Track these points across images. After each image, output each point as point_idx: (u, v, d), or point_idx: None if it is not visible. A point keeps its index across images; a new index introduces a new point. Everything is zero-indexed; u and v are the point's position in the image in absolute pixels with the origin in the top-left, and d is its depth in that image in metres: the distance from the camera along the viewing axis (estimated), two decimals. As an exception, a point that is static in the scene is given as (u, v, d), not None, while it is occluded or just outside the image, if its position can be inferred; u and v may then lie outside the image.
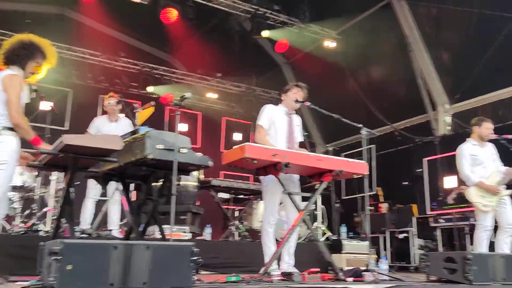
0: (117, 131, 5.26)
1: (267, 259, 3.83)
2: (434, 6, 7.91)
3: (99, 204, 5.71)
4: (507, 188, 4.93)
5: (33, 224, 5.24)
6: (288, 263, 3.88)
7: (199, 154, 3.46)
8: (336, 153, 7.89)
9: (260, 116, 4.14)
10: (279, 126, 4.11)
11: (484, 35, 7.54)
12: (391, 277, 3.96)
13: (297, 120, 4.30)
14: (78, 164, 3.09)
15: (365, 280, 3.54)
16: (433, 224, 7.30)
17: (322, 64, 9.79)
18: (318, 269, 3.51)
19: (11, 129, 2.98)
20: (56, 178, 5.61)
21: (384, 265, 4.55)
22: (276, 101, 4.37)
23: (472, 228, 5.31)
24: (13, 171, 3.03)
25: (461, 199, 6.52)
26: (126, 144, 3.38)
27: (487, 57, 7.47)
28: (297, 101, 4.21)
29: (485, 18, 7.34)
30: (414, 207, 7.96)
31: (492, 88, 7.84)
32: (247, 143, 3.48)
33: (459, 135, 7.66)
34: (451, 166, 6.05)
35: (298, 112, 4.36)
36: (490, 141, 5.18)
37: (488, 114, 7.73)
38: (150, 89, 10.09)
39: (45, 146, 3.06)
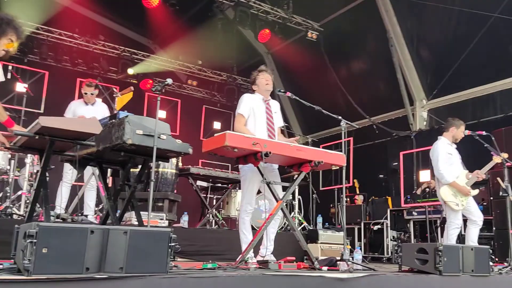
0: (94, 114, 5.19)
1: (244, 247, 3.86)
2: (416, 2, 8.01)
3: (75, 189, 5.64)
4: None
5: (7, 207, 5.13)
6: (267, 248, 3.93)
7: (179, 141, 3.44)
8: (315, 144, 7.94)
9: (239, 104, 4.13)
10: (258, 114, 4.11)
11: (464, 33, 7.69)
12: (365, 267, 4.04)
13: (275, 106, 4.32)
14: (54, 147, 3.02)
15: (340, 269, 3.60)
16: (406, 217, 7.48)
17: (304, 55, 9.83)
18: (293, 258, 3.55)
19: None
20: (31, 161, 5.50)
21: (358, 255, 4.65)
22: (251, 91, 4.36)
23: (444, 221, 5.48)
24: None
25: (430, 193, 6.72)
26: (105, 129, 3.32)
27: (466, 54, 7.63)
28: (279, 91, 4.21)
29: (465, 15, 7.48)
30: (389, 200, 8.14)
31: (469, 85, 8.02)
32: (228, 131, 3.47)
33: (435, 131, 7.84)
34: (426, 161, 6.21)
35: (279, 102, 4.36)
36: (461, 141, 5.36)
37: (464, 111, 7.94)
38: (130, 71, 9.87)
39: (18, 128, 2.97)
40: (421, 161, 8.07)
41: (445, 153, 5.13)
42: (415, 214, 7.33)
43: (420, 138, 8.61)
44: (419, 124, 8.87)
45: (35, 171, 5.46)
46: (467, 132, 5.24)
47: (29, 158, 5.50)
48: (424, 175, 7.74)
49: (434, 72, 8.56)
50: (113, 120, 3.37)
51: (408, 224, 7.47)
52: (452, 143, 5.26)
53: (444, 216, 5.50)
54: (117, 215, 3.82)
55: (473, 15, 7.29)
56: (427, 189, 6.89)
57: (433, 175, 5.47)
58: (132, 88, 5.63)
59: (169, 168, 6.19)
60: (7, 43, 3.02)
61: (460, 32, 7.74)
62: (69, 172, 5.42)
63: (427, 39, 8.45)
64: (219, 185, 7.18)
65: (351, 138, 9.13)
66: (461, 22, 7.67)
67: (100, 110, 5.60)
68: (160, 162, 5.82)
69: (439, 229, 6.71)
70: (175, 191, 6.41)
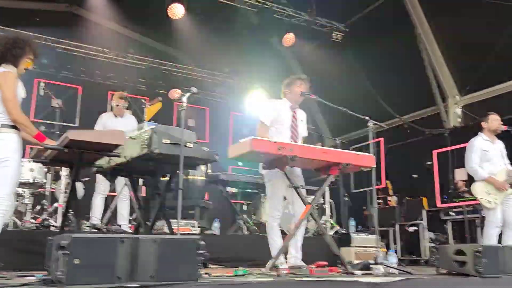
0: (123, 127, 5.31)
1: (273, 252, 3.83)
2: (444, -4, 7.80)
3: (109, 199, 5.77)
4: None
5: (44, 220, 5.30)
6: (295, 257, 3.88)
7: (206, 148, 3.48)
8: (345, 146, 7.83)
9: (262, 111, 4.11)
10: (283, 122, 4.07)
11: (495, 26, 7.42)
12: (401, 270, 3.94)
13: (301, 115, 4.26)
14: (83, 159, 3.11)
15: (374, 273, 3.52)
16: (443, 217, 7.24)
17: (330, 57, 9.72)
18: (325, 263, 3.49)
19: (11, 126, 3.00)
20: (66, 173, 5.67)
21: (393, 258, 4.51)
22: (281, 94, 4.33)
23: (483, 220, 5.27)
24: (17, 167, 3.04)
25: (467, 192, 6.48)
26: (133, 139, 3.40)
27: (498, 48, 7.36)
28: (303, 93, 4.16)
29: (496, 8, 7.21)
30: (424, 200, 7.90)
31: (503, 79, 7.72)
32: (253, 136, 3.47)
33: (470, 127, 7.58)
34: (461, 159, 5.99)
35: (306, 105, 4.32)
36: (500, 137, 5.13)
37: (500, 105, 7.63)
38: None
39: (49, 142, 3.08)
40: (457, 159, 7.79)
41: (478, 149, 4.95)
42: (453, 214, 7.09)
43: (455, 136, 8.32)
44: (453, 121, 8.60)
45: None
46: (504, 127, 5.04)
47: (65, 171, 5.68)
48: (460, 174, 7.47)
49: (466, 67, 8.29)
50: (141, 131, 3.45)
51: (445, 225, 7.23)
52: (490, 138, 5.04)
53: (483, 215, 5.29)
54: (149, 223, 3.89)
55: (505, 7, 7.02)
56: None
57: (468, 174, 5.28)
58: (160, 98, 5.75)
59: (198, 176, 6.25)
60: (27, 62, 3.18)
61: (492, 25, 7.47)
62: (102, 183, 5.55)
63: (457, 34, 8.19)
64: (249, 190, 7.19)
65: (382, 139, 8.93)
66: (492, 14, 7.39)
67: (129, 123, 5.73)
68: (189, 170, 5.91)
69: (478, 229, 6.46)
70: (205, 198, 6.46)
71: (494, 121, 5.02)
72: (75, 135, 2.79)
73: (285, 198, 4.15)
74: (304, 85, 4.15)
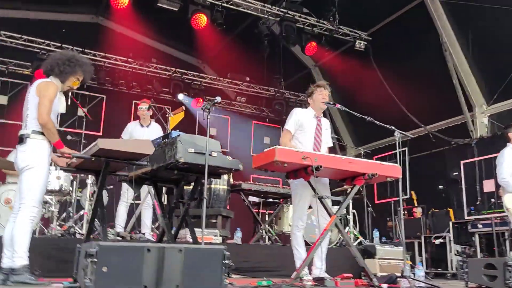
0: (149, 135, 5.38)
1: (298, 263, 3.78)
2: (469, 5, 7.66)
3: (133, 208, 5.82)
4: None
5: (70, 227, 5.38)
6: (319, 269, 3.82)
7: (229, 157, 3.47)
8: (368, 156, 7.72)
9: (288, 119, 4.11)
10: (307, 130, 4.06)
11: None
12: (428, 284, 3.83)
13: (325, 123, 4.24)
14: (110, 167, 3.15)
15: (401, 286, 3.44)
16: (471, 230, 7.05)
17: (353, 66, 9.65)
18: (351, 275, 3.43)
19: (42, 133, 3.07)
20: (92, 181, 5.75)
21: (420, 271, 4.41)
22: (306, 104, 4.32)
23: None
24: (46, 173, 3.10)
25: (496, 204, 6.29)
26: (158, 148, 3.43)
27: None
28: (328, 103, 4.14)
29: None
30: (451, 212, 7.71)
31: (531, 88, 7.53)
32: (277, 146, 3.45)
33: (498, 137, 7.38)
34: (490, 169, 5.85)
35: (329, 114, 4.29)
36: None
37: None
38: (180, 96, 10.13)
39: (67, 150, 3.15)
40: (485, 170, 7.60)
41: (509, 160, 4.83)
42: (481, 226, 6.90)
43: (482, 146, 8.13)
44: (480, 131, 8.39)
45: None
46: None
47: (90, 179, 5.77)
48: (488, 185, 7.28)
49: (493, 76, 8.11)
50: (166, 140, 3.47)
51: (473, 238, 7.03)
52: None
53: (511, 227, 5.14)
54: (173, 232, 3.90)
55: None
56: None
57: (497, 185, 5.14)
58: (183, 107, 5.81)
59: (221, 185, 6.25)
60: (74, 81, 3.28)
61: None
62: (126, 192, 5.61)
63: (484, 41, 8.03)
64: (271, 200, 7.15)
65: (406, 148, 8.79)
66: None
67: (154, 131, 5.81)
68: (212, 179, 5.93)
69: (507, 242, 6.26)
70: (227, 207, 6.45)
71: None
72: (105, 143, 2.82)
73: (310, 207, 4.11)
74: (324, 91, 4.14)
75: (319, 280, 3.39)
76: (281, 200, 7.03)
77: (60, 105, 3.24)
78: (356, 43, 9.13)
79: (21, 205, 3.02)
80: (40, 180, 3.05)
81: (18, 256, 2.92)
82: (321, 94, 4.14)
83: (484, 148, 7.94)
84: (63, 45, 8.54)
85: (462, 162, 8.00)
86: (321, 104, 4.13)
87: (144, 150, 2.96)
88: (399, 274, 3.75)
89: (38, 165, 3.04)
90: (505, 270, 3.35)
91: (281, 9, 8.50)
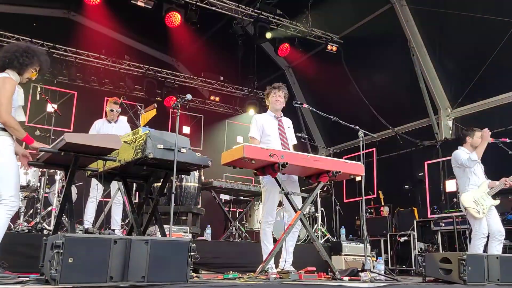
0: (117, 131, 5.38)
1: (265, 257, 3.89)
2: (437, 11, 7.95)
3: (102, 204, 5.81)
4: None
5: (37, 223, 5.33)
6: (286, 261, 3.95)
7: (199, 154, 3.54)
8: (337, 156, 7.92)
9: (250, 128, 4.24)
10: (270, 132, 4.19)
11: (487, 40, 7.57)
12: (387, 276, 4.01)
13: (287, 122, 4.38)
14: (78, 162, 3.17)
15: (361, 279, 3.59)
16: (434, 228, 7.31)
17: (325, 67, 9.86)
18: (314, 268, 3.56)
19: (3, 129, 3.06)
20: (60, 177, 5.71)
21: (380, 265, 4.59)
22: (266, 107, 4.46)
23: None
24: (15, 168, 3.08)
25: (457, 203, 6.55)
26: (127, 144, 3.46)
27: (490, 60, 7.50)
28: (296, 103, 4.28)
29: (488, 22, 7.38)
30: (415, 211, 7.99)
31: (494, 93, 7.85)
32: (245, 143, 3.55)
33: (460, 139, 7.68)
34: (452, 170, 6.09)
35: (301, 115, 4.43)
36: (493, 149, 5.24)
37: (491, 118, 7.76)
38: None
39: (37, 145, 3.14)
40: (447, 171, 7.90)
41: (464, 155, 5.06)
42: (443, 225, 7.17)
43: (446, 147, 8.44)
44: (445, 133, 8.71)
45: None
46: (491, 140, 5.13)
47: (59, 175, 5.72)
48: (450, 185, 7.58)
49: (458, 80, 8.42)
50: (136, 136, 3.51)
51: (436, 236, 7.30)
52: (471, 152, 5.14)
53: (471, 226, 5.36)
54: (142, 228, 3.93)
55: (496, 22, 7.18)
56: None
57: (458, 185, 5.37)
58: (155, 105, 5.82)
59: (192, 182, 6.30)
60: (32, 72, 3.27)
61: (484, 39, 7.62)
62: (95, 188, 5.59)
63: (450, 47, 8.35)
64: (242, 198, 7.24)
65: (374, 149, 9.05)
66: (484, 29, 7.56)
67: (122, 127, 5.79)
68: (183, 176, 5.95)
69: (468, 240, 6.53)
70: (198, 205, 6.50)
71: (478, 138, 5.11)
72: (72, 137, 2.84)
73: (280, 205, 4.23)
74: (278, 93, 4.28)
75: (284, 273, 3.50)
76: (252, 198, 7.13)
77: (19, 98, 3.22)
78: (328, 45, 9.33)
79: None
80: (10, 170, 3.02)
81: None
82: (275, 96, 4.30)
83: (448, 150, 8.20)
84: (34, 40, 8.38)
85: (426, 163, 8.29)
86: (274, 105, 4.29)
87: (113, 145, 2.99)
88: (360, 268, 3.90)
89: (2, 156, 3.01)
90: (460, 264, 3.53)
91: (255, 10, 8.60)
